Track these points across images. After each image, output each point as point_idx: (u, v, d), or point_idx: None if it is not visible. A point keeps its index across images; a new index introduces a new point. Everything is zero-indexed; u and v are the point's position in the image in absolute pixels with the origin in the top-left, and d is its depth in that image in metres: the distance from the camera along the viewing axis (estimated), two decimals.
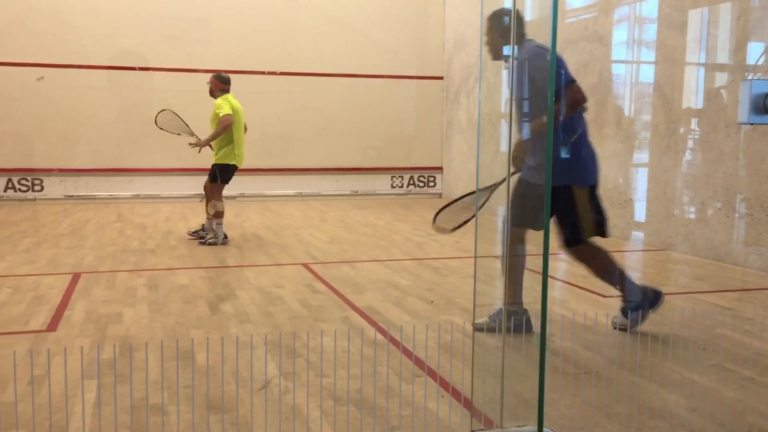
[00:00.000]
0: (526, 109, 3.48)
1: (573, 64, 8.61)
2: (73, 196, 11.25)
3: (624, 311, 4.17)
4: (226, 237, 7.48)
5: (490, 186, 3.97)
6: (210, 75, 7.63)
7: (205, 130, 7.55)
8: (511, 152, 3.82)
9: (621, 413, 2.98)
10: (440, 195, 12.85)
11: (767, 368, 3.60)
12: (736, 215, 6.43)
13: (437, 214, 4.30)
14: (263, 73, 11.83)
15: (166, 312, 4.63)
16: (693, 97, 7.02)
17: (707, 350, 3.86)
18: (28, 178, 11.10)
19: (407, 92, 12.67)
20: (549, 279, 2.66)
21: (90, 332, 4.16)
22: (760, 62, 6.27)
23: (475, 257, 3.12)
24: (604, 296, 5.00)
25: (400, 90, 12.58)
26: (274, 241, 7.65)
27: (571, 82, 3.92)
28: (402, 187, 12.82)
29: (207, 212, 7.56)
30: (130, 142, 11.28)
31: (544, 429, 2.61)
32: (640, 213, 7.73)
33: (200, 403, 3.04)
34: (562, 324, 4.23)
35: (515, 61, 3.39)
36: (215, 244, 7.32)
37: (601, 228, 4.11)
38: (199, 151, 7.53)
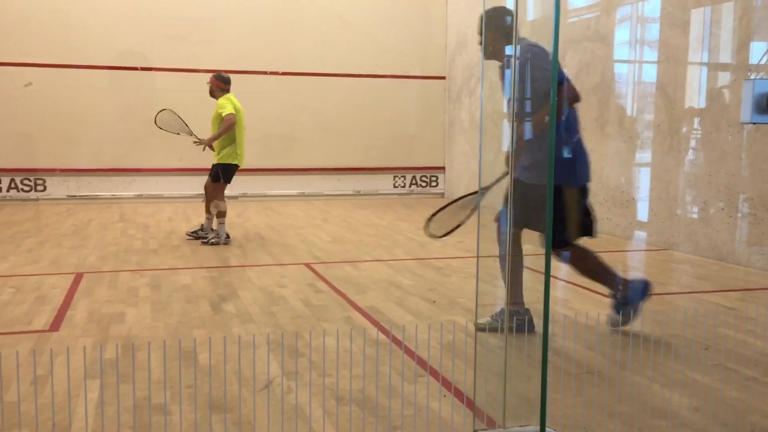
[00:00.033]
0: (526, 109, 3.47)
1: (575, 64, 8.61)
2: (75, 196, 11.26)
3: (616, 308, 4.17)
4: (228, 237, 7.49)
5: (485, 188, 3.97)
6: (210, 75, 7.64)
7: (206, 131, 7.55)
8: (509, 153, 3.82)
9: (623, 413, 2.98)
10: (442, 195, 12.85)
11: None
12: (739, 215, 6.43)
13: (429, 220, 4.29)
14: (265, 73, 11.83)
15: (168, 312, 4.64)
16: (695, 96, 7.01)
17: (710, 350, 3.86)
18: (31, 178, 11.12)
19: (409, 92, 12.67)
20: (551, 279, 2.66)
21: (93, 332, 4.16)
22: (763, 62, 6.26)
23: (478, 257, 3.12)
24: (606, 296, 4.99)
25: (402, 90, 12.58)
26: (277, 241, 7.65)
27: (566, 80, 3.93)
28: (404, 187, 12.82)
29: (210, 211, 7.56)
30: (133, 142, 11.29)
31: (547, 429, 2.61)
32: (642, 213, 7.72)
33: (203, 403, 3.04)
34: (564, 324, 4.23)
35: (517, 61, 3.39)
36: (218, 243, 7.33)
37: (588, 229, 4.10)
38: (204, 149, 7.52)
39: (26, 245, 7.23)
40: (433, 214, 4.29)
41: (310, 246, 7.33)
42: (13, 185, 11.05)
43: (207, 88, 7.57)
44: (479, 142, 3.03)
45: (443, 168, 12.93)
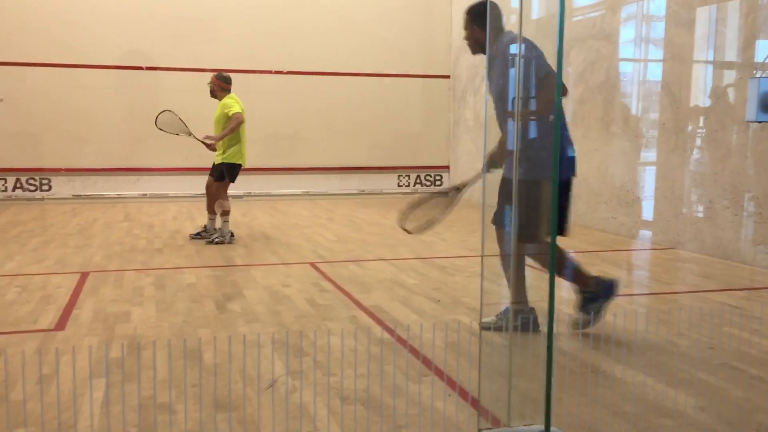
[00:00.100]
0: (508, 105, 3.45)
1: (580, 62, 8.59)
2: (80, 195, 11.29)
3: (583, 306, 4.10)
4: (232, 235, 7.49)
5: (460, 185, 3.95)
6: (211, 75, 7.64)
7: (209, 131, 7.55)
8: (489, 151, 3.81)
9: (628, 412, 2.97)
10: (447, 194, 12.82)
11: None
12: (745, 213, 6.41)
13: (405, 214, 4.28)
14: (269, 72, 11.84)
15: (173, 311, 4.65)
16: (701, 95, 7.00)
17: (715, 349, 3.85)
18: (36, 178, 11.15)
19: (414, 91, 12.66)
20: (556, 278, 2.65)
21: (98, 331, 4.17)
22: None
23: (482, 256, 3.12)
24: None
25: (406, 89, 12.57)
26: (281, 240, 7.66)
27: (551, 73, 3.89)
28: (409, 186, 12.82)
29: (214, 211, 7.57)
30: (138, 142, 11.30)
31: (552, 428, 2.61)
32: (647, 211, 7.70)
33: (208, 402, 3.05)
34: (569, 323, 4.22)
35: (521, 59, 3.38)
36: (222, 242, 7.33)
37: (560, 227, 4.02)
38: (213, 149, 7.51)
39: (31, 244, 7.25)
40: (410, 208, 4.28)
41: (315, 245, 7.34)
42: (18, 185, 11.08)
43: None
44: (484, 141, 3.03)
45: (448, 167, 12.91)
